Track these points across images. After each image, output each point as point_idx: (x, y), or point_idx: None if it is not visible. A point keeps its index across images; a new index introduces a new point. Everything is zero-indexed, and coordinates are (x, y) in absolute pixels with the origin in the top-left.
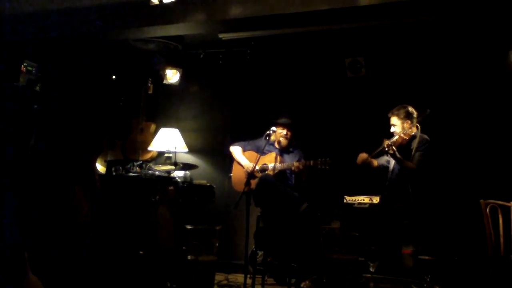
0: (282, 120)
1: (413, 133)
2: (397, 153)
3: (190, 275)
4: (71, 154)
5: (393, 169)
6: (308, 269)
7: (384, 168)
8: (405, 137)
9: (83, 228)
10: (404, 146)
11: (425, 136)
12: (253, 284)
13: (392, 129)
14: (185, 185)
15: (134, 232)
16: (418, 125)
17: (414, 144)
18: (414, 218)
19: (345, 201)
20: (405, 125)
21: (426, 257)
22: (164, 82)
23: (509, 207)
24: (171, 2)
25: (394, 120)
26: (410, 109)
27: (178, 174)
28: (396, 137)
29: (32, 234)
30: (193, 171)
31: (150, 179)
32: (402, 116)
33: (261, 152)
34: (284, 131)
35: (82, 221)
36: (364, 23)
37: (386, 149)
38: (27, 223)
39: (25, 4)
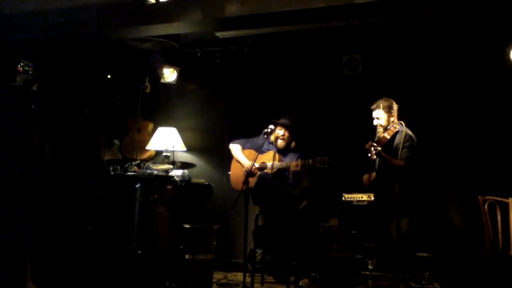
0: (281, 121)
1: (397, 129)
2: (382, 153)
3: (188, 274)
4: (67, 152)
5: (379, 167)
6: (307, 267)
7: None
8: (390, 133)
9: (82, 226)
10: (386, 143)
11: (410, 133)
12: (252, 282)
13: (376, 122)
14: (183, 184)
15: (132, 231)
16: (402, 122)
17: (400, 140)
18: (403, 216)
19: (343, 199)
20: (391, 118)
21: (425, 254)
22: (162, 81)
23: (507, 203)
24: (168, 1)
25: (379, 113)
26: (394, 103)
27: (176, 173)
28: (379, 134)
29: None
30: (191, 170)
31: (148, 178)
32: (387, 110)
33: (260, 150)
34: (282, 131)
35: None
36: (361, 20)
37: (374, 151)
38: (37, 224)
39: (23, 4)
